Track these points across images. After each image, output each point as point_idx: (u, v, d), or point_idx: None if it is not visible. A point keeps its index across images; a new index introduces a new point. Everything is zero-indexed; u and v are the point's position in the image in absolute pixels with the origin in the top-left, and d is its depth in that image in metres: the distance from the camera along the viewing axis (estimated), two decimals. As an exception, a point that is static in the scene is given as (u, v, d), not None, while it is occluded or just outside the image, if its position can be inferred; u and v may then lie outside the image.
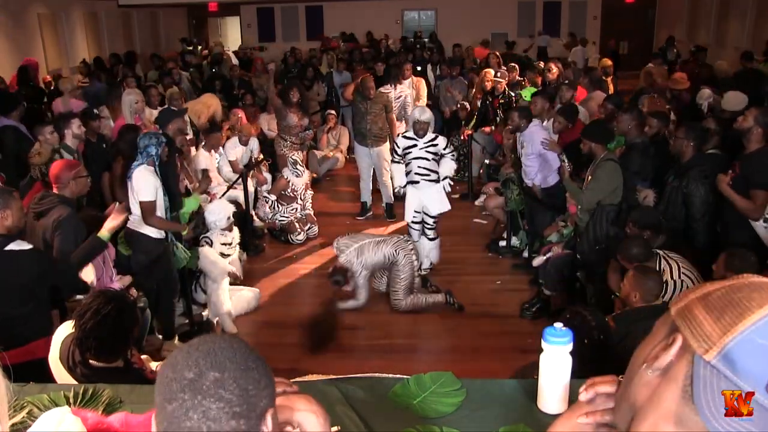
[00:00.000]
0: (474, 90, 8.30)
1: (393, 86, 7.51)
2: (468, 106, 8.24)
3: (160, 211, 4.14)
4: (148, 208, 4.05)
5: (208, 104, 7.68)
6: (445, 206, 5.43)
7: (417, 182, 5.36)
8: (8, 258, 2.90)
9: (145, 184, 4.00)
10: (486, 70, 8.13)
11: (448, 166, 5.43)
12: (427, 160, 5.31)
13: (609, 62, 9.03)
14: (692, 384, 0.71)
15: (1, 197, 2.97)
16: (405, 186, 5.49)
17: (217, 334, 4.64)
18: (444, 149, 5.37)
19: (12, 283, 2.94)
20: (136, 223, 4.14)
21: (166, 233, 4.30)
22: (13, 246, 2.91)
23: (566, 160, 5.06)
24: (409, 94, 7.73)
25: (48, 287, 3.15)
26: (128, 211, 4.00)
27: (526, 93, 6.69)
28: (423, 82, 8.19)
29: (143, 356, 2.68)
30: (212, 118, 7.65)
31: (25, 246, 2.96)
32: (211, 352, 0.95)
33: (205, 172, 5.48)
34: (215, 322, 4.78)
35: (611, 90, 8.06)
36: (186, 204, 4.68)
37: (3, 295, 2.94)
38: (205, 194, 5.54)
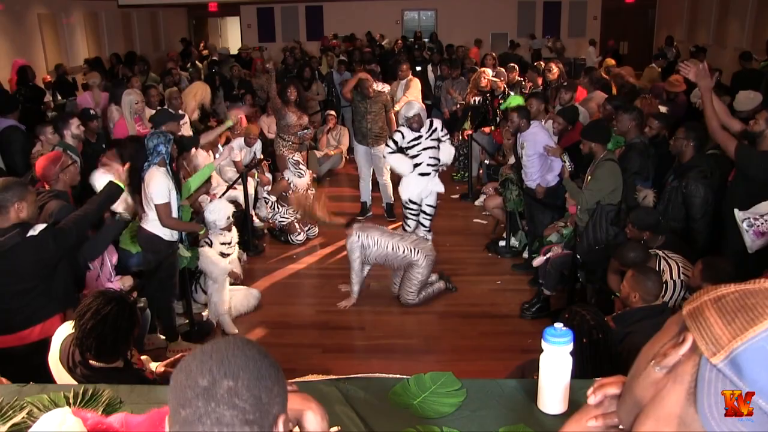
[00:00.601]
0: (469, 87, 8.28)
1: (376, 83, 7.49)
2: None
3: (174, 212, 4.14)
4: (163, 211, 4.04)
5: (194, 92, 7.63)
6: (441, 187, 5.56)
7: (428, 174, 5.44)
8: (30, 243, 2.97)
9: (157, 186, 4.00)
10: (482, 69, 8.13)
11: (448, 152, 5.52)
12: (435, 148, 5.43)
13: (612, 62, 9.04)
14: (696, 386, 0.71)
15: (17, 189, 3.01)
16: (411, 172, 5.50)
17: (217, 334, 4.58)
18: (441, 132, 5.46)
19: (40, 264, 3.02)
20: (149, 223, 4.14)
21: (181, 235, 4.31)
22: (32, 232, 2.98)
23: (567, 161, 5.06)
24: (398, 94, 7.75)
25: (69, 257, 3.23)
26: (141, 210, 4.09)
27: (513, 101, 6.50)
28: (416, 81, 8.15)
29: (143, 356, 2.68)
30: (200, 105, 7.61)
31: (40, 227, 3.03)
32: (225, 360, 0.96)
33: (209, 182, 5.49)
34: (215, 322, 4.78)
35: (614, 90, 8.04)
36: (191, 182, 4.71)
37: (31, 279, 3.01)
38: (205, 194, 5.54)
